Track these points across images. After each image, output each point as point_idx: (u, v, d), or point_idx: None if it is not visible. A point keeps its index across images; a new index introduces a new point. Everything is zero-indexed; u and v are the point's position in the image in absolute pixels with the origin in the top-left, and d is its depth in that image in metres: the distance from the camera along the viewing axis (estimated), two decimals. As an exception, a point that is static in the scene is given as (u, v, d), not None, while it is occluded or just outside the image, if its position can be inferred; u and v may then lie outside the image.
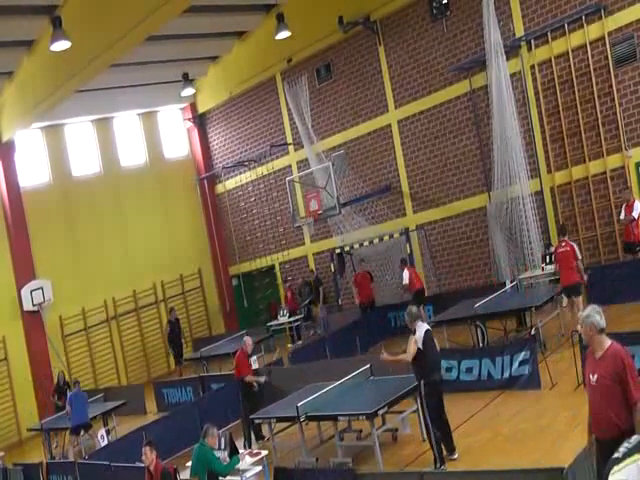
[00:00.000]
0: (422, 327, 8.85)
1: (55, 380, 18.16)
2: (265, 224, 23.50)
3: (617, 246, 15.47)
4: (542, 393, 10.52)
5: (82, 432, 14.67)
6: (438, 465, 8.62)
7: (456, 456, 8.84)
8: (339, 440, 10.06)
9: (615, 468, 3.38)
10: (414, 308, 9.20)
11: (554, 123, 16.34)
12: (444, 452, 8.80)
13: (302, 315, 20.48)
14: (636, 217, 14.36)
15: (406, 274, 16.53)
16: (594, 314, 5.72)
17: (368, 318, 17.87)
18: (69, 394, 15.14)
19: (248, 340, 12.70)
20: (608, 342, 5.72)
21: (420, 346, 8.70)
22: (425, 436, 9.03)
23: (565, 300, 13.36)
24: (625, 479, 3.30)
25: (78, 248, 21.57)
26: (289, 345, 19.90)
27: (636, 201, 14.52)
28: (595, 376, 5.69)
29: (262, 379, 12.34)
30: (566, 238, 13.14)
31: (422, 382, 8.76)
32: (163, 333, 22.01)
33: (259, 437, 12.13)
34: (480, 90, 17.35)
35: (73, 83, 16.29)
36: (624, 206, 14.61)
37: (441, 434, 8.83)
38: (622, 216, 14.65)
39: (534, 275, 15.60)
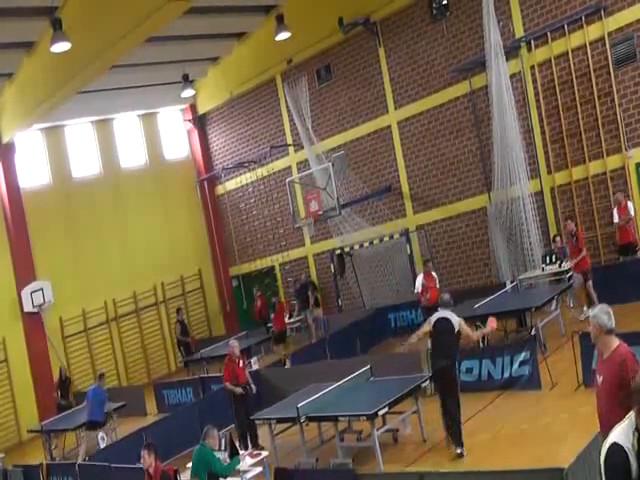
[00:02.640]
0: (440, 314, 9.32)
1: (57, 376, 18.13)
2: (265, 225, 23.50)
3: (617, 246, 15.43)
4: (542, 393, 10.52)
5: (97, 429, 14.57)
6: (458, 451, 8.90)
7: (459, 451, 8.91)
8: (339, 441, 10.06)
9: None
10: (447, 295, 9.65)
11: (554, 124, 16.34)
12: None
13: (302, 316, 20.47)
14: (632, 216, 14.35)
15: (419, 280, 14.96)
16: (601, 314, 5.52)
17: (368, 318, 17.86)
18: (89, 388, 15.18)
19: (234, 343, 12.27)
20: (616, 343, 5.49)
21: (431, 329, 9.28)
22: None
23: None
24: (611, 440, 3.58)
25: (78, 249, 21.56)
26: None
27: (628, 202, 14.52)
28: (600, 378, 5.51)
29: (238, 390, 11.75)
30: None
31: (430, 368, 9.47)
32: (174, 334, 21.76)
33: (255, 444, 11.66)
34: (480, 91, 17.35)
35: (73, 84, 16.30)
36: (616, 209, 14.53)
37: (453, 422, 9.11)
38: (616, 219, 14.53)
39: (534, 275, 15.60)
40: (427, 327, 9.35)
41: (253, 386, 12.19)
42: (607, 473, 3.57)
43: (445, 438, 9.34)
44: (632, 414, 3.66)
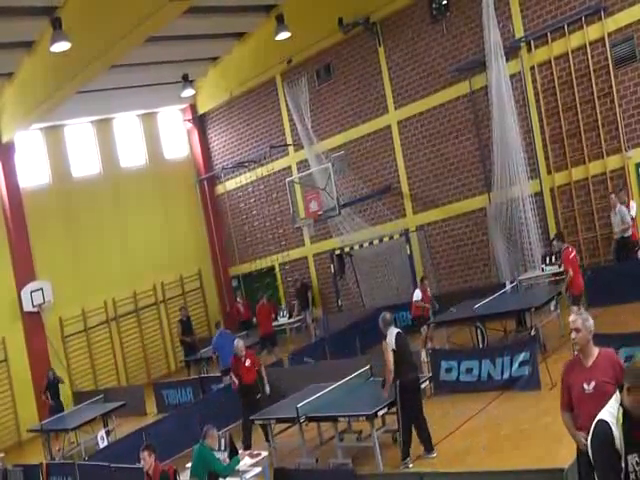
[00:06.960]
0: (393, 332, 9.39)
1: (46, 380, 17.96)
2: (265, 225, 23.50)
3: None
4: (542, 394, 10.52)
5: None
6: (403, 459, 9.06)
7: (435, 454, 9.10)
8: (339, 441, 10.07)
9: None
10: (388, 315, 9.62)
11: (554, 124, 16.34)
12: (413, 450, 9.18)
13: (302, 317, 20.46)
14: (634, 216, 14.39)
15: (418, 293, 14.96)
16: (590, 318, 5.51)
17: (368, 318, 17.83)
18: (214, 337, 15.85)
19: (238, 343, 12.17)
20: (597, 348, 5.52)
21: (394, 348, 9.18)
22: (399, 435, 9.36)
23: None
24: (597, 417, 3.97)
25: (78, 249, 21.55)
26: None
27: (632, 201, 14.56)
28: (592, 383, 5.37)
29: (234, 381, 11.87)
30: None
31: (398, 382, 9.11)
32: (177, 334, 21.64)
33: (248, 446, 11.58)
34: (480, 91, 17.35)
35: (73, 84, 16.30)
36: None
37: (419, 432, 9.20)
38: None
39: (534, 276, 15.61)
40: (389, 349, 9.15)
41: (267, 387, 12.08)
42: (593, 445, 3.93)
43: (404, 450, 9.19)
44: (617, 393, 4.00)
